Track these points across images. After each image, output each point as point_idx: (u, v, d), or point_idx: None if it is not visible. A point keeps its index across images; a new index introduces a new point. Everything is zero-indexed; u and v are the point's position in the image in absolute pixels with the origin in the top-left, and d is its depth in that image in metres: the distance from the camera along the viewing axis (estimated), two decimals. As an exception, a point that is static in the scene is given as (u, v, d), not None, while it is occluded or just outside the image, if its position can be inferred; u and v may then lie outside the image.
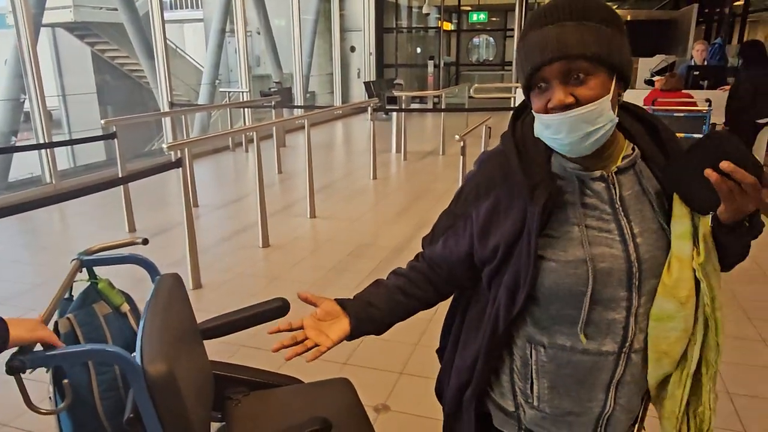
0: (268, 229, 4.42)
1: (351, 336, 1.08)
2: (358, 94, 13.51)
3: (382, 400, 2.44)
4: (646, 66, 7.59)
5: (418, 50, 17.29)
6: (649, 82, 6.78)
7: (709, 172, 0.82)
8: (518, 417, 1.07)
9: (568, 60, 0.85)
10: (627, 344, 0.97)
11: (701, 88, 6.29)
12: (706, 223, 0.92)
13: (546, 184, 0.93)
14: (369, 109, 7.25)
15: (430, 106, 12.64)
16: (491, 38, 17.63)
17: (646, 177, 0.97)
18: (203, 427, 1.28)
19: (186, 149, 3.82)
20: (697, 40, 7.44)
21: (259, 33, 12.51)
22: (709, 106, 5.37)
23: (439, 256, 1.09)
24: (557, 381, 1.00)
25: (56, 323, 1.32)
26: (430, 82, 14.32)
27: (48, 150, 5.99)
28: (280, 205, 5.63)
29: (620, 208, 0.95)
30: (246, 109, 9.34)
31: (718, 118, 5.51)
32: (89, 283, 1.43)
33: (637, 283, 0.94)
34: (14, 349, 1.09)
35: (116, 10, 11.36)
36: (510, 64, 15.24)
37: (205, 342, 1.56)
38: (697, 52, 6.75)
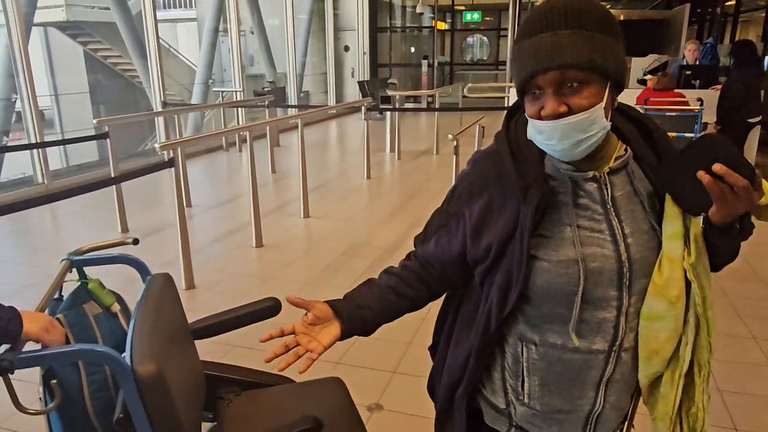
0: (262, 229, 4.41)
1: (342, 338, 1.08)
2: (352, 93, 13.49)
3: (375, 399, 2.44)
4: (639, 65, 7.63)
5: (412, 50, 17.30)
6: (642, 82, 6.82)
7: (701, 174, 0.83)
8: (509, 414, 1.07)
9: (562, 70, 0.85)
10: (617, 343, 0.97)
11: (693, 87, 6.32)
12: (697, 224, 0.92)
13: (539, 185, 0.93)
14: (363, 108, 7.24)
15: (424, 105, 12.66)
16: (485, 38, 17.64)
17: (638, 178, 0.98)
18: (194, 427, 1.28)
19: (179, 149, 3.80)
20: (689, 40, 7.48)
21: (252, 32, 12.48)
22: (701, 105, 5.40)
23: (431, 255, 1.09)
24: (548, 379, 1.01)
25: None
26: (424, 82, 14.31)
27: (40, 150, 5.96)
28: (273, 204, 5.62)
29: (612, 209, 0.95)
30: (240, 109, 9.32)
31: (709, 117, 5.55)
32: (79, 283, 1.43)
33: (627, 283, 0.95)
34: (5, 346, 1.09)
35: (109, 9, 11.31)
36: (504, 63, 15.25)
37: (198, 342, 1.55)
38: (689, 52, 6.79)
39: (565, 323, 0.97)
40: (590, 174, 0.95)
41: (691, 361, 0.98)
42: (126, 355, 1.14)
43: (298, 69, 12.25)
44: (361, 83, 12.57)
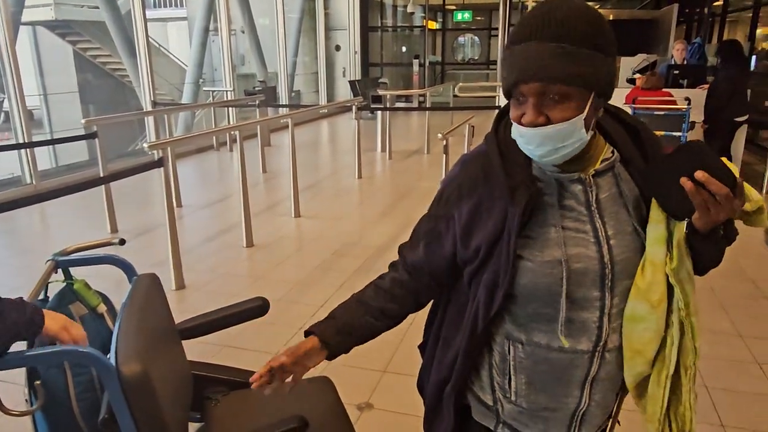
0: (253, 229, 4.40)
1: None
2: (344, 93, 13.48)
3: (365, 398, 2.44)
4: (628, 65, 7.66)
5: (404, 49, 17.32)
6: (631, 81, 6.86)
7: (683, 181, 0.84)
8: (497, 411, 1.08)
9: (544, 83, 0.86)
10: (601, 343, 0.98)
11: (681, 86, 6.36)
12: (680, 229, 0.93)
13: (526, 186, 0.94)
14: (354, 108, 7.23)
15: (415, 105, 12.65)
16: (476, 37, 17.69)
17: (624, 180, 0.98)
18: (180, 427, 1.27)
19: (168, 148, 3.79)
20: (677, 40, 7.52)
21: (243, 31, 12.43)
22: (689, 104, 5.44)
23: (421, 261, 1.09)
24: (534, 377, 1.02)
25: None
26: (416, 81, 14.32)
27: (28, 150, 5.91)
28: (264, 204, 5.61)
29: (596, 210, 0.96)
30: (230, 109, 9.28)
31: (697, 116, 5.59)
32: (65, 284, 1.42)
33: (609, 284, 0.96)
34: None
35: (98, 8, 11.24)
36: (495, 63, 15.30)
37: (188, 342, 1.55)
38: (677, 52, 6.83)
39: (551, 323, 0.97)
40: (576, 176, 0.96)
41: (678, 363, 0.99)
42: (111, 355, 1.13)
43: (289, 68, 12.22)
44: (352, 83, 12.55)
